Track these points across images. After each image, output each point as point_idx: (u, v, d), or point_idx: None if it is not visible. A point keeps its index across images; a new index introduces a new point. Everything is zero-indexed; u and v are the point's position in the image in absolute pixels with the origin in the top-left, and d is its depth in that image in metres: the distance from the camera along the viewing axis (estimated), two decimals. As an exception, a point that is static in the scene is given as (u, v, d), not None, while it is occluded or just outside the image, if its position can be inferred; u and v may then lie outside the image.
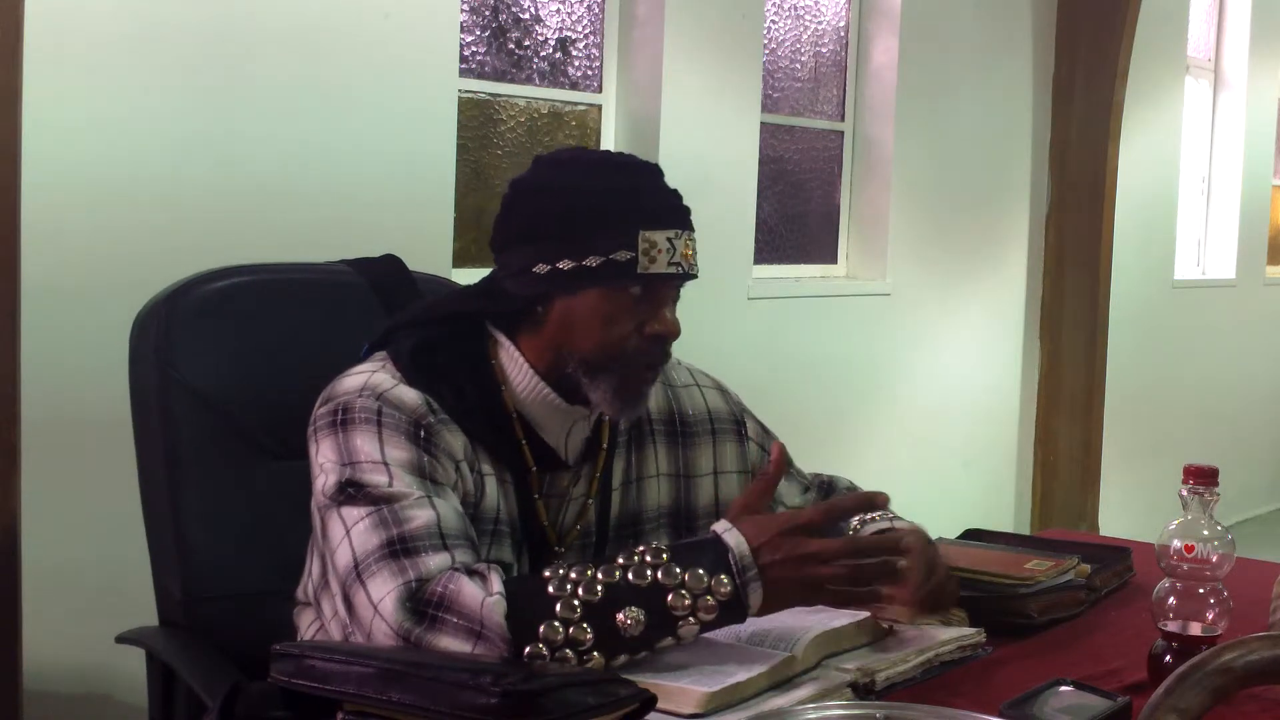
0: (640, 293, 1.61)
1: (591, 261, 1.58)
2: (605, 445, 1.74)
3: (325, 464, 1.56)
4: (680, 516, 1.81)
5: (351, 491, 1.52)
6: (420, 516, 1.50)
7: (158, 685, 1.84)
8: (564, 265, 1.59)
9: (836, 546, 1.52)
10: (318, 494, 1.57)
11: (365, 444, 1.55)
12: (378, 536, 1.48)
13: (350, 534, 1.50)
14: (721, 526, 1.54)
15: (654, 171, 1.67)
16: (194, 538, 1.83)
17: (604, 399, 1.63)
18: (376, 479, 1.52)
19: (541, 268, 1.60)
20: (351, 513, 1.51)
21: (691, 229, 1.65)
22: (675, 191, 1.66)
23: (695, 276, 1.67)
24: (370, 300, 1.97)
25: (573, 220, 1.60)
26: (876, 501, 1.62)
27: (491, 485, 1.64)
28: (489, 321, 1.68)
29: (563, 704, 1.25)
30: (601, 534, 1.73)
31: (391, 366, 1.62)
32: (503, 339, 1.67)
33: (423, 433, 1.57)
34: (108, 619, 2.09)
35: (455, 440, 1.60)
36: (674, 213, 1.63)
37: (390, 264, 2.02)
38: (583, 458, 1.71)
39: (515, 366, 1.66)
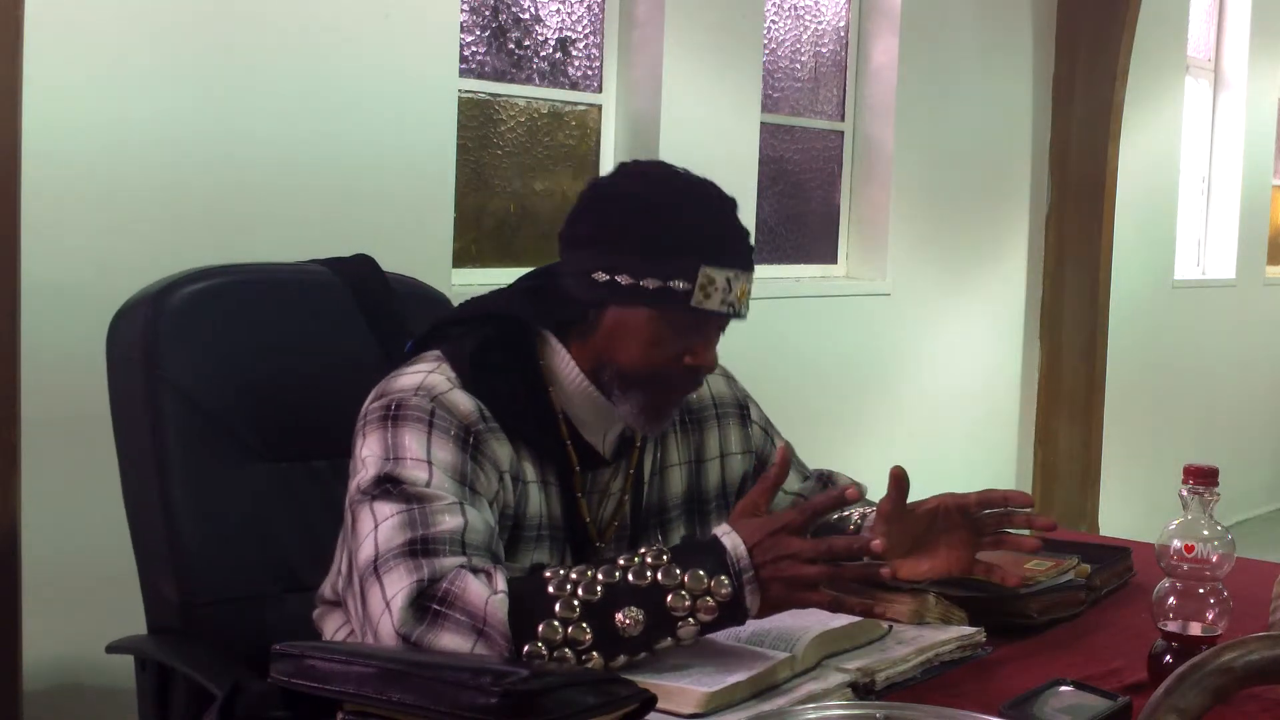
0: (688, 321, 1.63)
1: (649, 283, 1.60)
2: (639, 441, 1.77)
3: (368, 458, 1.57)
4: (694, 501, 1.84)
5: (388, 487, 1.53)
6: (449, 521, 1.51)
7: (150, 694, 1.83)
8: (622, 279, 1.61)
9: (814, 546, 1.53)
10: (353, 488, 1.57)
11: (413, 441, 1.56)
12: (402, 535, 1.49)
13: (378, 529, 1.51)
14: (722, 529, 1.55)
15: (730, 206, 1.68)
16: (189, 540, 1.81)
17: (630, 412, 1.67)
18: (416, 475, 1.53)
19: (601, 276, 1.62)
20: (383, 509, 1.52)
21: (752, 269, 1.67)
22: (745, 230, 1.68)
23: (744, 318, 1.69)
24: (347, 299, 1.98)
25: (640, 238, 1.61)
26: (848, 496, 1.61)
27: (534, 492, 1.66)
28: (538, 322, 1.70)
29: (563, 704, 1.25)
30: (635, 525, 1.76)
31: (447, 367, 1.63)
32: (552, 340, 1.69)
33: (472, 439, 1.58)
34: (107, 618, 2.09)
35: (502, 450, 1.61)
36: (739, 253, 1.65)
37: (363, 263, 2.04)
38: (617, 453, 1.74)
39: (565, 367, 1.68)
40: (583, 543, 1.70)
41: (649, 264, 1.60)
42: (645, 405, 1.66)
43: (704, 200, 1.66)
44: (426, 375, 1.61)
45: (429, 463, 1.54)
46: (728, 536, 1.53)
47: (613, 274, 1.61)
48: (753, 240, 1.71)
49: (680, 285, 1.60)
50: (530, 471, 1.65)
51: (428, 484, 1.53)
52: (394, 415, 1.58)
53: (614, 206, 1.65)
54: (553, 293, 1.68)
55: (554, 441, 1.67)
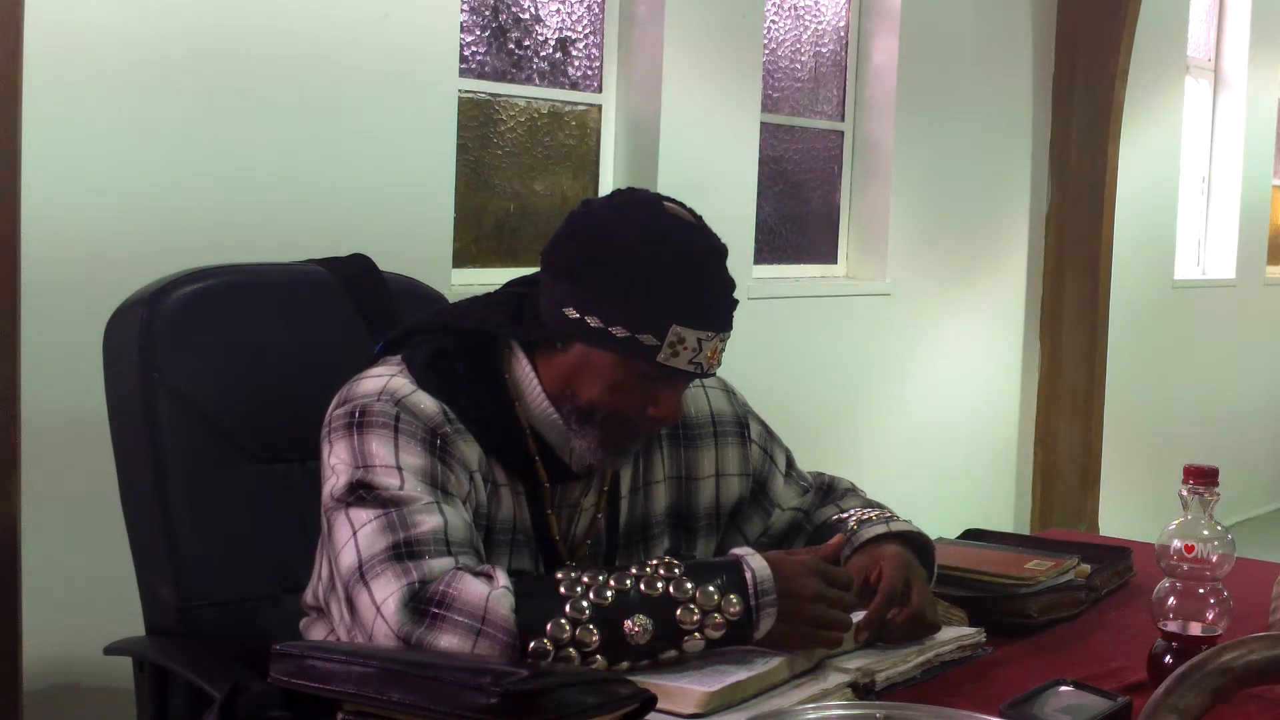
0: (654, 374, 1.60)
1: (617, 331, 1.57)
2: None
3: (338, 465, 1.56)
4: (681, 518, 1.81)
5: (362, 493, 1.52)
6: (428, 522, 1.50)
7: (148, 696, 1.82)
8: (591, 321, 1.58)
9: (843, 599, 1.58)
10: (327, 495, 1.57)
11: (380, 448, 1.55)
12: (384, 539, 1.49)
13: (357, 535, 1.50)
14: (743, 550, 1.57)
15: (717, 258, 1.62)
16: (186, 542, 1.81)
17: (587, 447, 1.64)
18: (388, 481, 1.53)
19: (571, 312, 1.59)
20: (360, 514, 1.51)
21: (728, 329, 1.62)
22: (729, 285, 1.63)
23: (711, 376, 1.67)
24: (344, 299, 1.97)
25: (613, 285, 1.57)
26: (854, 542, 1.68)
27: (507, 495, 1.65)
28: (508, 334, 1.67)
29: (562, 704, 1.25)
30: (611, 542, 1.74)
31: (408, 371, 1.62)
32: (520, 354, 1.66)
33: (439, 441, 1.57)
34: (107, 619, 2.09)
35: (470, 451, 1.60)
36: (715, 314, 1.60)
37: (360, 263, 2.03)
38: (591, 467, 1.70)
39: (528, 384, 1.65)
40: (553, 558, 1.68)
41: (619, 313, 1.56)
42: (602, 441, 1.63)
43: (687, 254, 1.59)
44: (389, 379, 1.60)
45: (399, 469, 1.54)
46: (752, 559, 1.54)
47: (583, 313, 1.58)
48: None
49: (648, 340, 1.56)
50: (501, 475, 1.64)
51: (400, 488, 1.52)
52: (359, 422, 1.57)
53: (595, 244, 1.59)
54: (532, 305, 1.65)
55: (521, 455, 1.65)
